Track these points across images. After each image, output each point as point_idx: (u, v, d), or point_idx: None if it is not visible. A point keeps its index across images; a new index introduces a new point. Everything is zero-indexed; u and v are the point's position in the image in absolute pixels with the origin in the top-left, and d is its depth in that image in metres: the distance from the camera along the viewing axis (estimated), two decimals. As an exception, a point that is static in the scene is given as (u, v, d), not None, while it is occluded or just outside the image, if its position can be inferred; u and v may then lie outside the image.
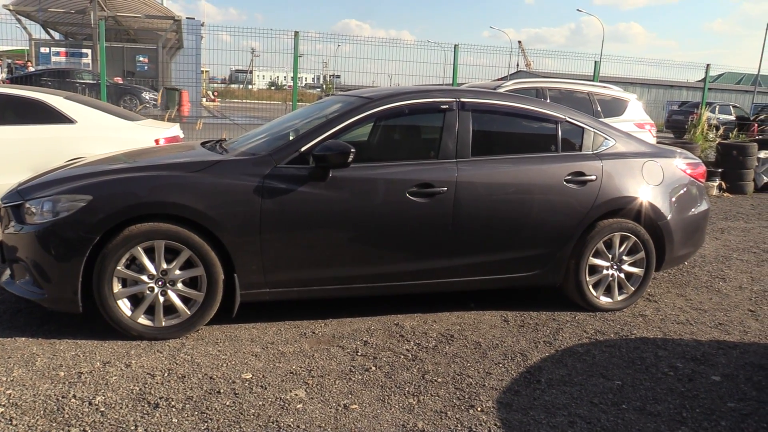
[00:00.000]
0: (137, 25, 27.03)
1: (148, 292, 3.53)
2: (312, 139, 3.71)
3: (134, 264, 3.50)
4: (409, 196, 3.76)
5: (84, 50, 23.96)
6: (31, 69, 22.13)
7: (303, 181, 3.62)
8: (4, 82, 20.95)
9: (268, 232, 3.57)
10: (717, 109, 24.57)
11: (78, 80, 20.93)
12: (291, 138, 3.77)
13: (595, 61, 14.03)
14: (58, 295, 3.43)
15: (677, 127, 24.86)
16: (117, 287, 3.48)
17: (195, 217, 3.45)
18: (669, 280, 5.29)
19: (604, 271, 4.32)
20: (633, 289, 4.41)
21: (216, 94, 43.15)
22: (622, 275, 4.37)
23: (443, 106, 3.97)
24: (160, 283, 3.54)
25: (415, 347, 3.60)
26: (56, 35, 29.01)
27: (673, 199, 4.42)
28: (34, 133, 6.25)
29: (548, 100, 8.00)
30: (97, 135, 6.43)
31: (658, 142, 8.72)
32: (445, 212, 3.83)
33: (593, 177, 4.15)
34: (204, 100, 35.97)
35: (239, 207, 3.52)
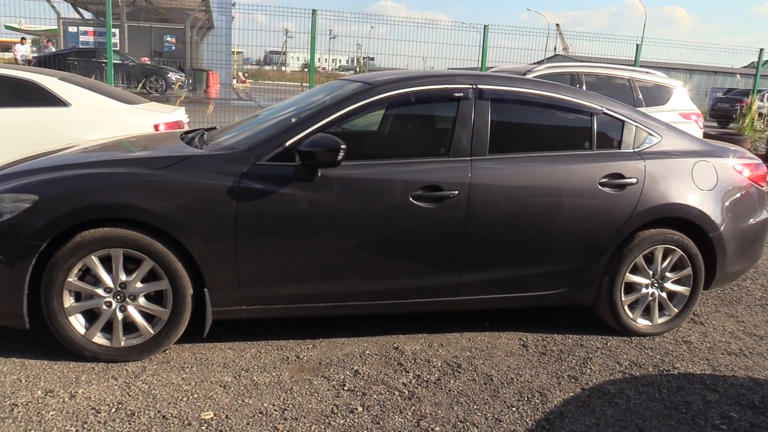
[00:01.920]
0: (166, 4, 26.70)
1: (104, 307, 3.04)
2: (298, 132, 3.15)
3: (89, 275, 3.02)
4: (413, 200, 3.18)
5: (112, 30, 23.71)
6: (51, 49, 21.98)
7: (287, 181, 3.07)
8: (31, 62, 20.85)
9: (245, 241, 3.05)
10: (766, 97, 23.22)
11: (103, 60, 20.67)
12: (276, 130, 3.22)
13: (637, 45, 13.13)
14: (1, 309, 2.97)
15: (722, 116, 23.57)
16: (68, 301, 3.00)
17: (157, 221, 2.94)
18: (717, 296, 4.62)
19: (643, 290, 3.69)
20: (676, 310, 3.77)
21: (246, 75, 42.89)
22: (664, 294, 3.73)
23: (457, 94, 3.36)
24: (118, 297, 3.05)
25: (414, 380, 3.04)
26: (87, 15, 28.91)
27: (728, 207, 3.75)
28: (25, 116, 5.83)
29: (584, 87, 7.29)
30: (91, 119, 5.99)
31: (704, 135, 7.94)
32: (456, 220, 3.25)
33: (634, 180, 3.51)
34: (234, 81, 35.72)
35: (210, 211, 2.99)
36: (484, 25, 10.75)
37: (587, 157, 3.50)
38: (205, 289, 3.09)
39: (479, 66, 11.54)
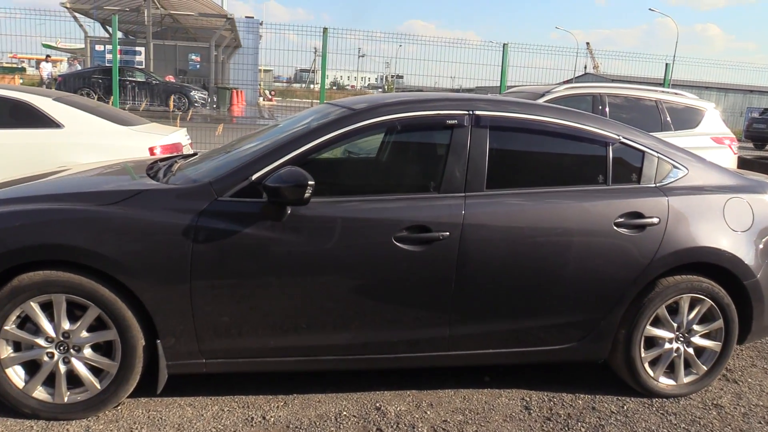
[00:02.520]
0: (189, 24, 26.96)
1: (46, 358, 2.70)
2: (266, 164, 2.79)
3: (30, 323, 2.69)
4: (397, 242, 2.79)
5: (137, 48, 23.98)
6: (78, 67, 22.27)
7: (252, 220, 2.71)
8: (56, 80, 21.09)
9: (203, 287, 2.68)
10: (806, 118, 22.30)
11: (128, 78, 20.82)
12: (242, 161, 2.85)
13: (666, 64, 12.59)
14: (-70, 359, 2.65)
15: (758, 137, 22.71)
16: (5, 352, 2.67)
17: (101, 264, 2.59)
18: (753, 347, 4.10)
19: (666, 345, 3.22)
20: (705, 368, 3.28)
21: (273, 93, 43.15)
22: (690, 350, 3.25)
23: (450, 121, 2.97)
24: (61, 347, 2.71)
25: (392, 452, 2.62)
26: (118, 34, 29.30)
27: (765, 250, 3.27)
28: (17, 138, 5.61)
29: (607, 110, 6.83)
30: (84, 141, 5.74)
31: (738, 159, 7.39)
32: (447, 265, 2.84)
33: (655, 219, 3.06)
34: (261, 99, 35.90)
35: (162, 253, 2.64)
36: (504, 44, 10.36)
37: (601, 194, 3.06)
38: (158, 341, 2.73)
39: (500, 86, 11.13)
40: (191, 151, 7.16)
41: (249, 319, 2.76)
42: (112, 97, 10.72)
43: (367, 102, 3.07)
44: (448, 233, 2.83)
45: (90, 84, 20.24)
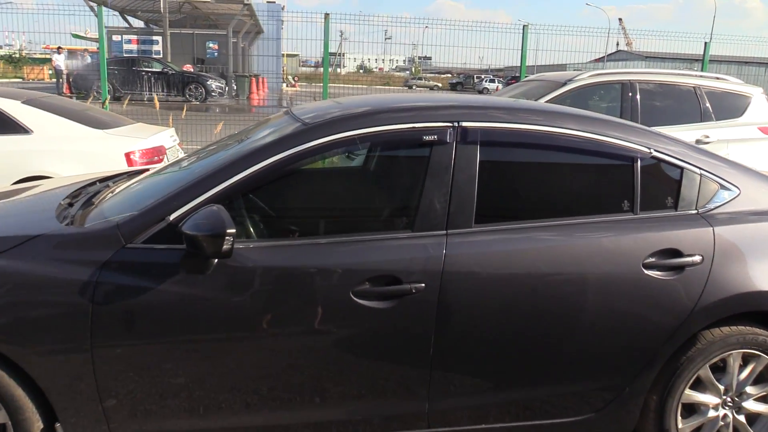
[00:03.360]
0: (208, 10, 26.45)
1: (-76, 447, 2.17)
2: (187, 199, 2.19)
3: None
4: (357, 298, 2.17)
5: (154, 37, 23.61)
6: (88, 59, 22.00)
7: (169, 274, 2.11)
8: (74, 72, 20.84)
9: (108, 358, 2.11)
10: None
11: (144, 69, 20.47)
12: (158, 197, 2.25)
13: (705, 42, 11.57)
14: None
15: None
16: None
17: (-24, 335, 2.04)
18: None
19: (711, 412, 2.54)
20: (761, 440, 2.61)
21: (296, 79, 42.64)
22: (741, 418, 2.57)
23: (427, 137, 2.32)
24: (-58, 433, 2.17)
25: None
26: (138, 23, 29.05)
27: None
28: (-21, 146, 5.12)
29: (638, 98, 6.03)
30: (54, 148, 5.24)
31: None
32: (422, 325, 2.21)
33: (697, 257, 2.38)
34: (284, 85, 35.42)
35: (56, 317, 2.07)
36: (524, 26, 9.54)
37: (626, 226, 2.38)
38: (57, 425, 2.17)
39: (520, 69, 10.32)
40: (180, 153, 6.65)
41: (169, 395, 2.17)
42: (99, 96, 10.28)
43: (325, 113, 2.43)
44: (423, 285, 2.19)
45: (107, 74, 19.89)
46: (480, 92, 42.51)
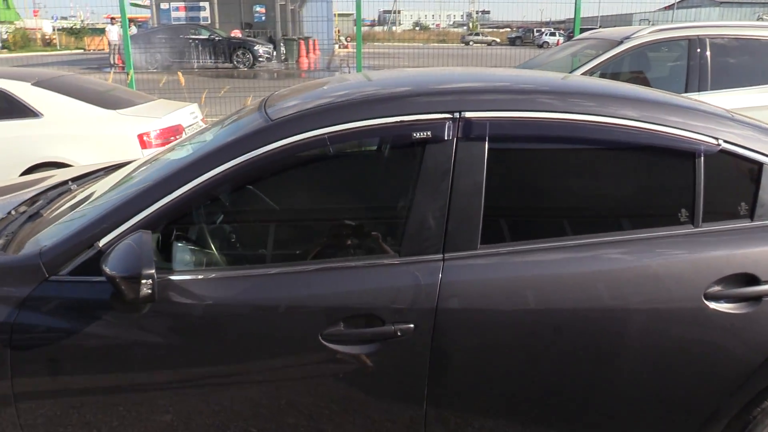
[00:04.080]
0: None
1: None
2: (117, 221, 1.77)
3: None
4: (328, 342, 1.72)
5: (202, 3, 23.38)
6: (134, 29, 21.97)
7: (97, 312, 1.72)
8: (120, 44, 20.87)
9: (33, 410, 1.76)
10: None
11: (191, 36, 20.30)
12: (87, 219, 1.84)
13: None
14: None
15: None
16: None
17: None
18: None
19: (793, 477, 1.99)
20: None
21: (349, 39, 41.92)
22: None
23: (419, 134, 1.80)
24: None
25: None
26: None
27: None
28: (-11, 131, 4.91)
29: (708, 53, 5.21)
30: (63, 132, 4.98)
31: None
32: (411, 378, 1.75)
33: (779, 284, 1.80)
34: (336, 47, 34.83)
35: (-37, 370, 1.72)
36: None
37: (683, 242, 1.82)
38: (-18, 489, 1.85)
39: (573, 22, 9.40)
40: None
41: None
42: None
43: (295, 104, 1.94)
44: (411, 326, 1.72)
45: (153, 44, 19.89)
46: (540, 46, 40.70)
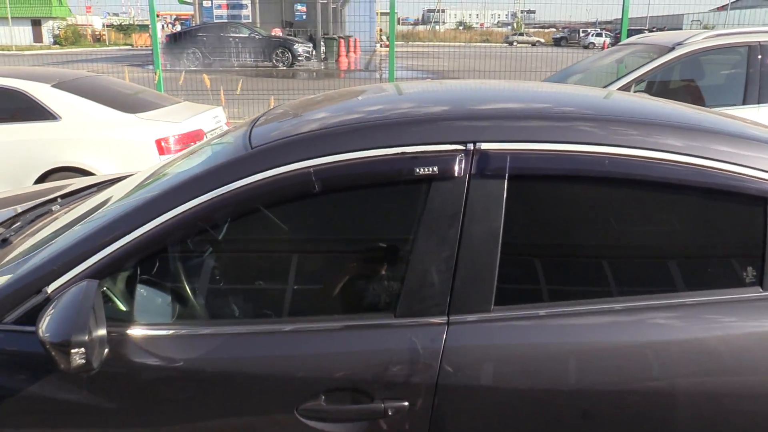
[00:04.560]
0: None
1: None
2: (67, 265, 1.51)
3: None
4: (304, 418, 1.43)
5: (244, 1, 23.43)
6: (177, 27, 22.13)
7: (42, 369, 1.48)
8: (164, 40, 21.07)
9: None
10: None
11: (231, 34, 20.32)
12: (39, 260, 1.59)
13: None
14: None
15: None
16: None
17: None
18: None
19: None
20: None
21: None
22: None
23: (422, 169, 1.49)
24: None
25: None
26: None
27: None
28: (6, 135, 4.80)
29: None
30: (80, 136, 4.82)
31: None
32: (407, 462, 1.45)
33: None
34: (378, 45, 34.61)
35: None
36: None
37: (748, 310, 1.47)
38: None
39: (621, 25, 8.89)
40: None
41: None
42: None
43: (287, 126, 1.66)
44: (405, 403, 1.42)
45: (195, 42, 19.99)
46: (585, 47, 39.70)
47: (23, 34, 40.54)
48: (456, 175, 1.48)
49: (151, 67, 19.98)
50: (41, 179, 4.80)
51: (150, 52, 24.78)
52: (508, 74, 12.33)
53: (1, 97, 4.92)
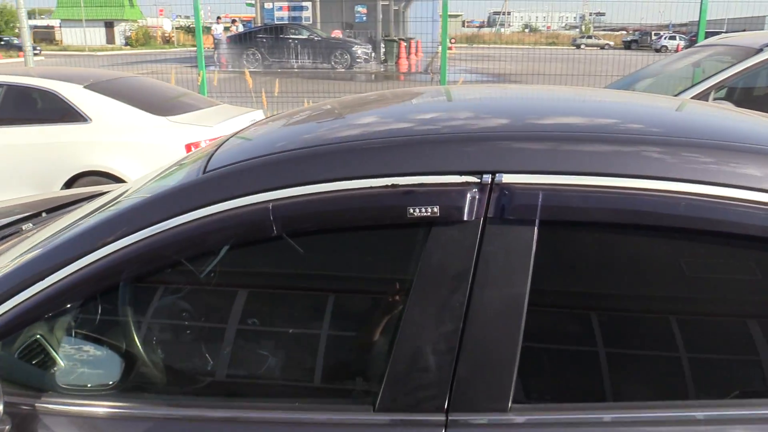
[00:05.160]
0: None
1: None
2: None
3: None
4: None
5: (304, 3, 23.41)
6: (239, 28, 22.25)
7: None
8: (225, 42, 21.24)
9: None
10: None
11: (291, 36, 20.29)
12: None
13: None
14: None
15: None
16: None
17: None
18: None
19: None
20: None
21: (453, 41, 41.21)
22: None
23: (417, 211, 1.08)
24: None
25: None
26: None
27: None
28: (36, 136, 4.66)
29: None
30: (110, 139, 4.63)
31: None
32: None
33: None
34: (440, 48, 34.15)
35: None
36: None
37: None
38: None
39: (698, 25, 8.13)
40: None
41: None
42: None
43: (255, 143, 1.29)
44: None
45: (255, 44, 20.07)
46: (657, 51, 37.97)
47: (97, 35, 42.15)
48: (465, 218, 1.07)
49: (211, 67, 20.21)
50: (69, 183, 4.64)
51: (211, 54, 25.12)
52: (573, 78, 11.67)
53: (34, 98, 4.81)
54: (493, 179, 1.08)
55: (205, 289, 1.24)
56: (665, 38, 41.75)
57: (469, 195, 1.07)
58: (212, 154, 1.33)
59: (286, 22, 22.24)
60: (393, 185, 1.09)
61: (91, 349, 1.27)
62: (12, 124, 4.68)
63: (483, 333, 1.04)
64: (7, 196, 4.53)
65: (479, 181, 1.08)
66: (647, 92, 4.55)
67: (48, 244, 1.29)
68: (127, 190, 1.53)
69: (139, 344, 1.25)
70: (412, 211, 1.07)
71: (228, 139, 1.50)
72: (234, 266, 1.21)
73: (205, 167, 1.24)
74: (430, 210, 1.07)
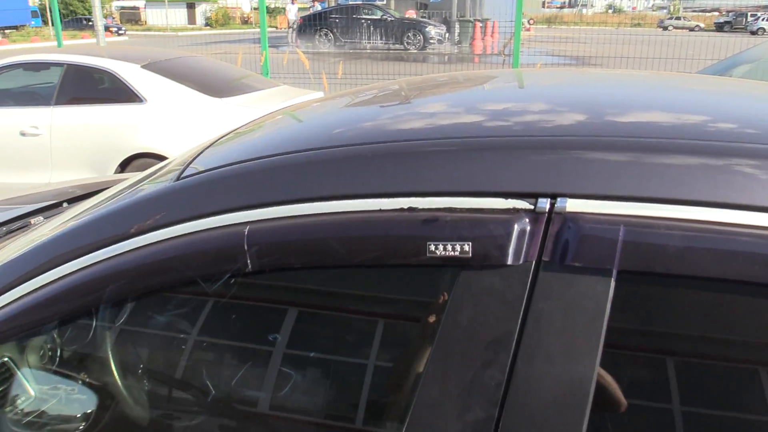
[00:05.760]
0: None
1: None
2: None
3: None
4: None
5: (377, -16, 23.04)
6: (318, 7, 22.07)
7: None
8: (297, 23, 21.20)
9: None
10: None
11: (363, 16, 20.03)
12: None
13: None
14: None
15: None
16: None
17: None
18: None
19: None
20: None
21: (532, 22, 39.86)
22: None
23: (442, 249, 0.76)
24: None
25: None
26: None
27: None
28: (92, 117, 4.61)
29: None
30: (163, 120, 4.52)
31: None
32: None
33: None
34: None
35: None
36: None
37: None
38: None
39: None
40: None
41: None
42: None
43: (230, 151, 1.01)
44: None
45: (327, 24, 19.92)
46: (753, 33, 35.33)
47: (179, 16, 43.39)
48: (509, 261, 0.74)
49: (284, 48, 20.25)
50: (123, 166, 4.57)
51: (284, 35, 25.18)
52: (659, 62, 10.83)
53: (93, 77, 4.75)
54: (552, 206, 0.75)
55: (173, 332, 0.98)
56: (763, 19, 38.81)
57: (516, 227, 0.74)
58: (195, 156, 1.06)
59: (360, 2, 21.98)
60: (409, 209, 0.78)
61: (44, 387, 1.04)
62: (70, 104, 4.64)
63: (531, 412, 0.73)
64: (65, 177, 4.51)
65: (532, 207, 0.75)
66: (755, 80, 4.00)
67: (23, 250, 1.06)
68: (111, 191, 1.29)
69: (97, 386, 1.01)
70: (433, 247, 0.76)
71: (229, 133, 1.23)
72: (201, 306, 0.94)
73: (179, 175, 0.96)
74: (459, 248, 0.75)
